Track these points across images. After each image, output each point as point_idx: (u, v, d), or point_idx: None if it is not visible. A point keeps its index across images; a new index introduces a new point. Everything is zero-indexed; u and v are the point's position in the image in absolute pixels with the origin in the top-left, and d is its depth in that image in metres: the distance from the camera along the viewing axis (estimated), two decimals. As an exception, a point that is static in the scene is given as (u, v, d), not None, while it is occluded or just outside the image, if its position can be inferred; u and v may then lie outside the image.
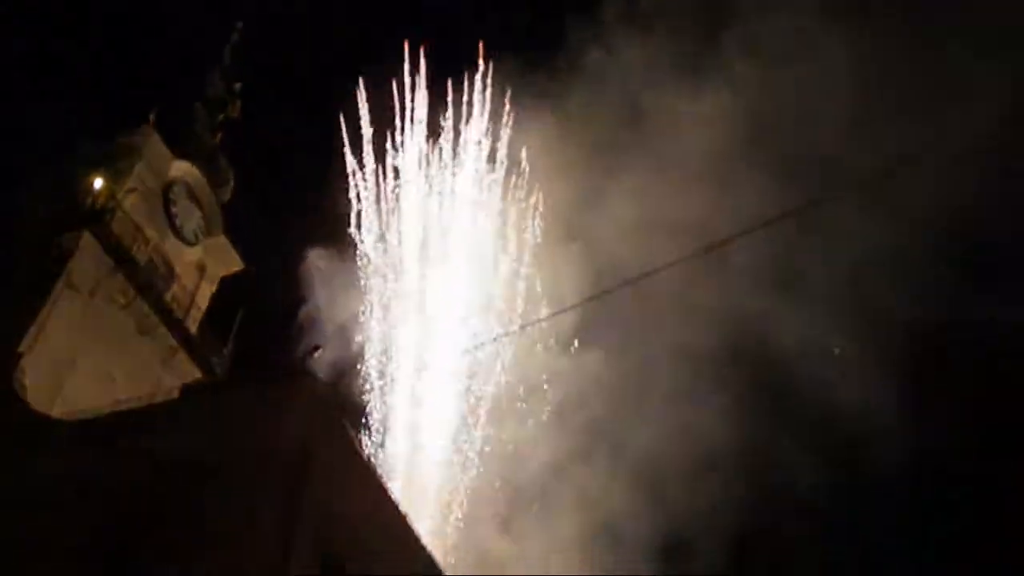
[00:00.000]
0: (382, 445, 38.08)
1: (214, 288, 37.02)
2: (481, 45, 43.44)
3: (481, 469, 39.22)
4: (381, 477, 26.63)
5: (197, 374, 33.01)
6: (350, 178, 41.14)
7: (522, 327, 39.84)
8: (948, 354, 45.92)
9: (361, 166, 41.16)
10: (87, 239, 30.40)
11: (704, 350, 43.80)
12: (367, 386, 38.69)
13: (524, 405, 40.86)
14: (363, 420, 38.11)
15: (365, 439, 37.59)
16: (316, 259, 40.77)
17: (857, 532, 49.67)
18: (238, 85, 41.06)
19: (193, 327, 34.49)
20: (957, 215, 40.89)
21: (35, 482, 22.54)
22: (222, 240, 37.53)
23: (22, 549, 20.96)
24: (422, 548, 25.57)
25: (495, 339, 39.51)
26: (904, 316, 43.88)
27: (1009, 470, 45.07)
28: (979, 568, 45.76)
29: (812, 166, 43.98)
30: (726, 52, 46.45)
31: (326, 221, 41.51)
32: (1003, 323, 43.05)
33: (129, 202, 32.77)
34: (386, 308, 40.17)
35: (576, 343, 42.31)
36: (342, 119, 41.03)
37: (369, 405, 38.42)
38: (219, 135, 39.90)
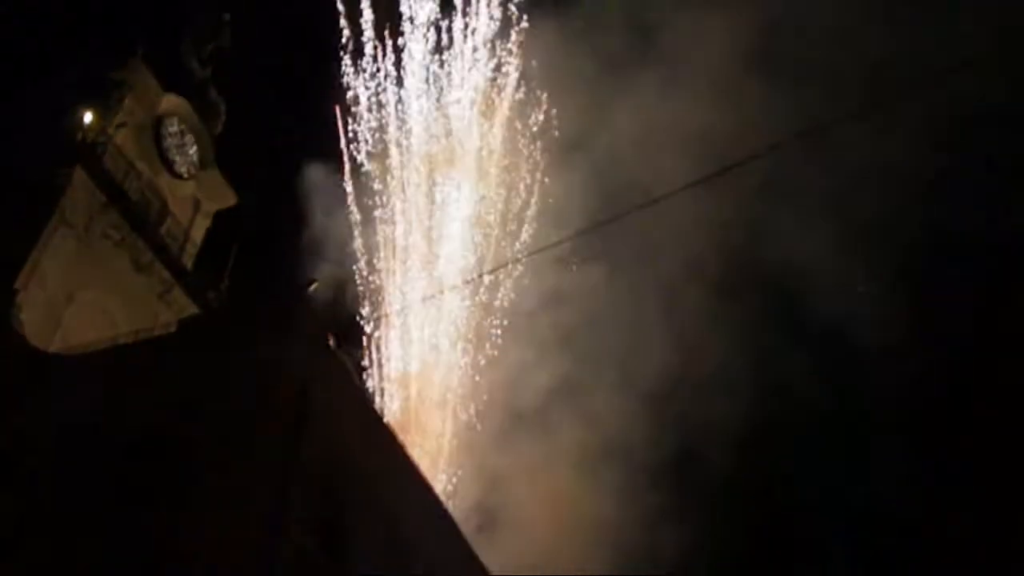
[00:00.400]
0: (383, 368, 38.20)
1: (209, 223, 36.83)
2: None
3: (486, 394, 39.39)
4: (380, 411, 26.82)
5: (194, 309, 33.01)
6: (349, 90, 40.42)
7: (530, 254, 39.50)
8: (951, 268, 45.99)
9: (361, 75, 40.39)
10: (79, 175, 30.10)
11: (710, 268, 43.95)
12: (369, 308, 38.74)
13: (531, 325, 40.88)
14: (364, 342, 38.22)
15: (367, 362, 37.72)
16: (316, 178, 40.41)
17: (860, 445, 50.25)
18: (227, 15, 40.30)
19: (189, 262, 34.41)
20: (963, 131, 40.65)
21: (35, 416, 22.70)
22: (215, 174, 37.22)
23: (23, 484, 21.19)
24: (423, 483, 25.88)
25: (506, 265, 39.18)
26: (909, 232, 43.91)
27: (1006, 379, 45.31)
28: (980, 473, 46.43)
29: (821, 81, 43.34)
30: None
31: (324, 142, 41.05)
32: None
33: (120, 137, 32.45)
34: (390, 225, 39.82)
35: (575, 266, 42.16)
36: (343, 21, 40.14)
37: (371, 327, 38.50)
38: (209, 67, 39.25)
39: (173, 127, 35.65)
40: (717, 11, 44.86)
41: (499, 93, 42.33)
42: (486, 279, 39.67)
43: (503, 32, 42.12)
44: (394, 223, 40.29)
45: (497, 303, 40.51)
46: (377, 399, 37.29)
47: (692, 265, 45.08)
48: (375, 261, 39.99)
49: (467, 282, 39.67)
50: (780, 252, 45.63)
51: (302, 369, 21.50)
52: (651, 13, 45.87)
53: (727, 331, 45.61)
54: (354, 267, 40.06)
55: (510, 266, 39.79)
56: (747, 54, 45.24)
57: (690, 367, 43.79)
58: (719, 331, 45.26)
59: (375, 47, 40.55)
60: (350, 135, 40.54)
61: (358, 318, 38.99)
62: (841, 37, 44.84)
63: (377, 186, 40.36)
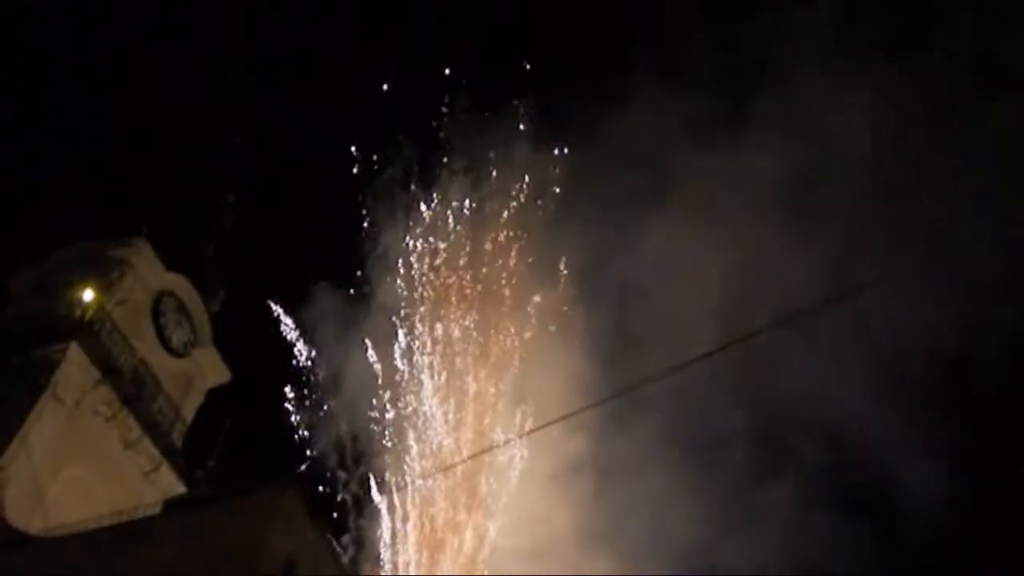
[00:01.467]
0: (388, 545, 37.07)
1: (201, 400, 36.65)
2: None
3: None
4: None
5: (181, 488, 32.42)
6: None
7: (539, 427, 38.62)
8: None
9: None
10: (74, 350, 30.15)
11: (733, 430, 43.14)
12: (373, 484, 37.89)
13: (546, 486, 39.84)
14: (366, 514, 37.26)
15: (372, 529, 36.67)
16: (314, 348, 40.17)
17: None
18: (231, 196, 41.32)
19: (178, 440, 34.02)
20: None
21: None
22: (211, 352, 37.33)
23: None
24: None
25: (530, 432, 38.33)
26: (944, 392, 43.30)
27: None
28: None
29: (857, 235, 43.24)
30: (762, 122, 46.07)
31: (323, 311, 40.94)
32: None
33: (118, 313, 32.67)
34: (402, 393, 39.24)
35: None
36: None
37: (376, 501, 37.58)
38: (211, 245, 39.95)
39: (171, 305, 35.98)
40: (748, 158, 45.21)
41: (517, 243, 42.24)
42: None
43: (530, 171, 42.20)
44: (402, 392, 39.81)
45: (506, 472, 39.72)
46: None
47: (720, 425, 44.33)
48: (381, 431, 39.36)
49: (478, 454, 38.93)
50: (813, 413, 45.05)
51: (288, 556, 21.03)
52: (680, 164, 46.17)
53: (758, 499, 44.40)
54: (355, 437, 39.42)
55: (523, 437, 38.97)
56: (780, 204, 45.37)
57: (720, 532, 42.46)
58: (749, 498, 44.08)
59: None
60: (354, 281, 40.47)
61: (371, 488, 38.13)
62: (876, 190, 45.12)
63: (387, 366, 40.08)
